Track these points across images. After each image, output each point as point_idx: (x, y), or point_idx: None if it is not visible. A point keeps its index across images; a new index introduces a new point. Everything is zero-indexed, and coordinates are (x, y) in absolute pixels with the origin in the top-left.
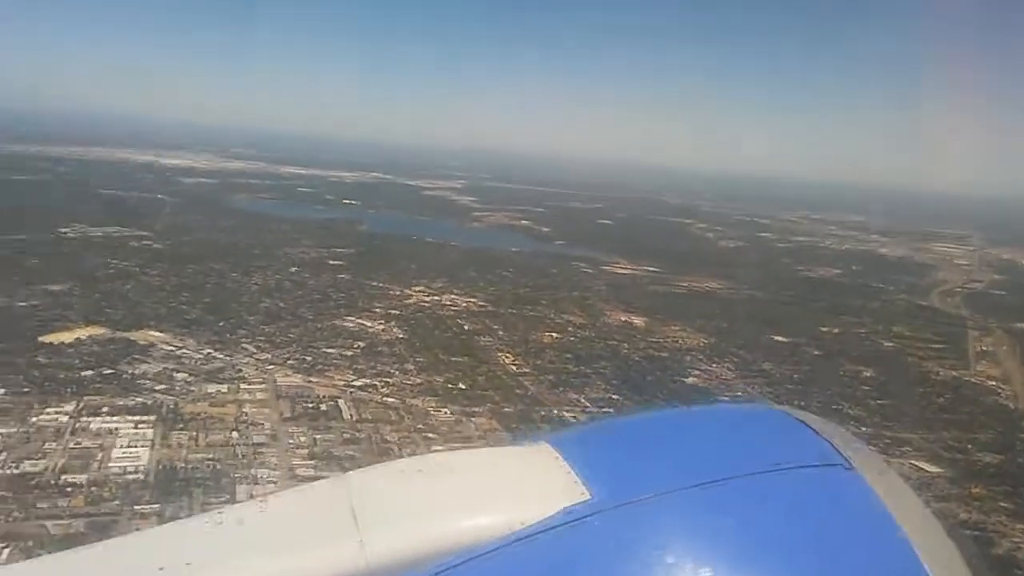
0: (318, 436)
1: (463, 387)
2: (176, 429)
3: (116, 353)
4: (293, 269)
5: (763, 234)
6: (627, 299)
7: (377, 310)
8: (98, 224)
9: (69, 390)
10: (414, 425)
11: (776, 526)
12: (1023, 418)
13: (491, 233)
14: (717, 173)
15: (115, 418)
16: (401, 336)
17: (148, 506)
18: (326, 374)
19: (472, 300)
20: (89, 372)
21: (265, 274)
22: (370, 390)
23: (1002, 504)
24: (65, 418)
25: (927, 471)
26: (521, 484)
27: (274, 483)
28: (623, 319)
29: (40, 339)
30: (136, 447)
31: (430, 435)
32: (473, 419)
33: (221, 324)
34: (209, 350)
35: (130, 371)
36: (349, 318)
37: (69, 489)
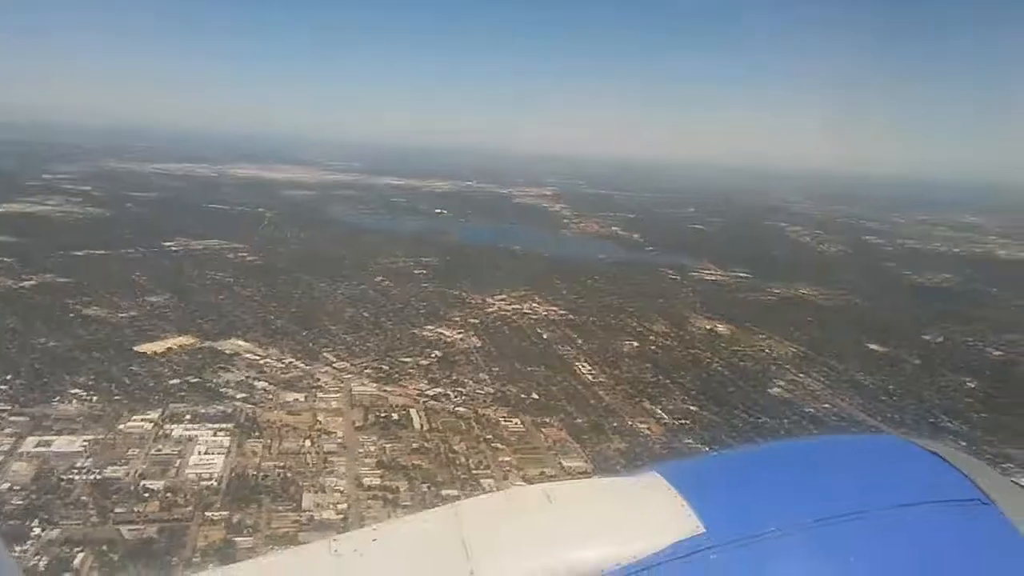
0: (387, 446)
1: (536, 397)
2: (252, 437)
3: (203, 362)
4: (379, 279)
5: (867, 237)
6: (714, 306)
7: (456, 319)
8: (200, 237)
9: (156, 398)
10: (483, 435)
11: (908, 567)
12: None
13: (579, 241)
14: (823, 173)
15: (195, 425)
16: (478, 345)
17: (217, 513)
18: (400, 383)
19: (553, 309)
20: (176, 381)
21: (351, 284)
22: (442, 399)
23: None
24: (150, 425)
25: None
26: (632, 516)
27: (340, 492)
28: (708, 327)
29: (135, 348)
30: (212, 454)
31: (498, 446)
32: (543, 430)
33: (304, 333)
34: (290, 359)
35: (214, 380)
36: (428, 327)
37: (146, 495)
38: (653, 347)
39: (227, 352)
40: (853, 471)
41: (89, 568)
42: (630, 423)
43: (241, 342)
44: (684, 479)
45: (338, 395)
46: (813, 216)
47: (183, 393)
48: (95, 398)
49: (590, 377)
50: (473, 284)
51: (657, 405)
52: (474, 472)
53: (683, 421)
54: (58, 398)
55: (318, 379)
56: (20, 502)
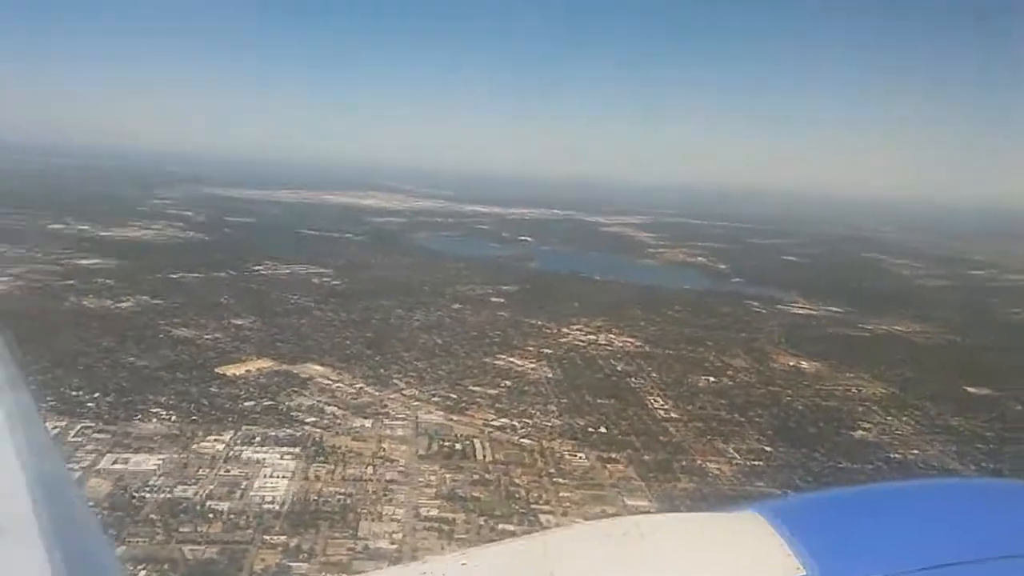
0: (448, 476)
1: (604, 431)
2: (317, 461)
3: (278, 385)
4: (456, 306)
5: (973, 272)
6: (800, 342)
7: (530, 348)
8: (289, 262)
9: (231, 419)
10: (545, 469)
11: None
12: None
13: (663, 270)
14: (930, 204)
15: (265, 448)
16: (549, 376)
17: (276, 537)
18: (467, 412)
19: (630, 340)
20: (251, 403)
21: (428, 310)
22: (508, 430)
23: None
24: (221, 446)
25: None
26: (728, 555)
27: (396, 521)
28: (791, 364)
29: (216, 370)
30: (277, 478)
31: (560, 480)
32: (608, 466)
33: (377, 359)
34: (362, 384)
35: (287, 403)
36: (501, 356)
37: (211, 515)
38: (731, 383)
39: (302, 376)
40: (968, 516)
41: None
42: (699, 462)
43: (316, 366)
44: (784, 519)
45: (404, 423)
46: (911, 247)
47: (256, 415)
48: (174, 417)
49: (662, 412)
50: (550, 313)
51: (730, 444)
52: (532, 507)
53: (756, 462)
54: (140, 416)
55: (386, 406)
56: None
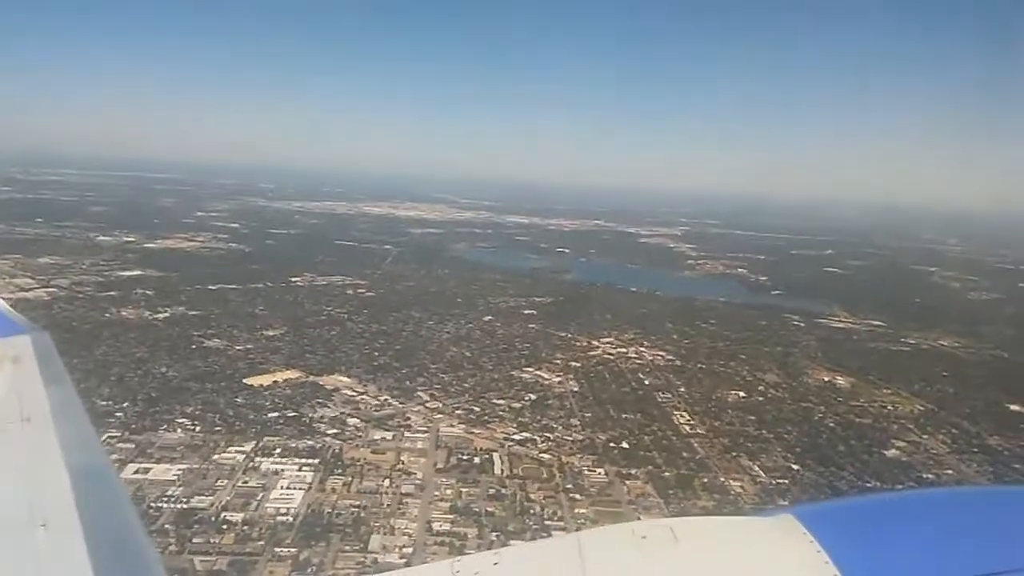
0: (464, 490)
1: (626, 446)
2: (335, 473)
3: (303, 396)
4: (487, 318)
5: None
6: (836, 357)
7: (558, 361)
8: (325, 273)
9: (253, 430)
10: (563, 485)
11: None
12: None
13: (701, 282)
14: (985, 213)
15: (284, 459)
16: (575, 390)
17: (287, 549)
18: (489, 426)
19: (660, 354)
20: (275, 414)
21: (458, 323)
22: (528, 444)
23: None
24: (241, 457)
25: None
26: (763, 560)
27: (408, 535)
28: (826, 379)
29: (244, 381)
30: (294, 489)
31: (576, 496)
32: (627, 482)
33: (404, 371)
34: (386, 396)
35: (310, 415)
36: (528, 369)
37: (224, 526)
38: (761, 398)
39: (328, 387)
40: (1012, 525)
41: None
42: (722, 480)
43: (343, 378)
44: (821, 524)
45: (425, 435)
46: (966, 260)
47: (279, 427)
48: (198, 428)
49: (687, 428)
50: (581, 325)
51: (755, 462)
52: (546, 523)
53: (781, 481)
54: (165, 427)
55: (409, 418)
56: None
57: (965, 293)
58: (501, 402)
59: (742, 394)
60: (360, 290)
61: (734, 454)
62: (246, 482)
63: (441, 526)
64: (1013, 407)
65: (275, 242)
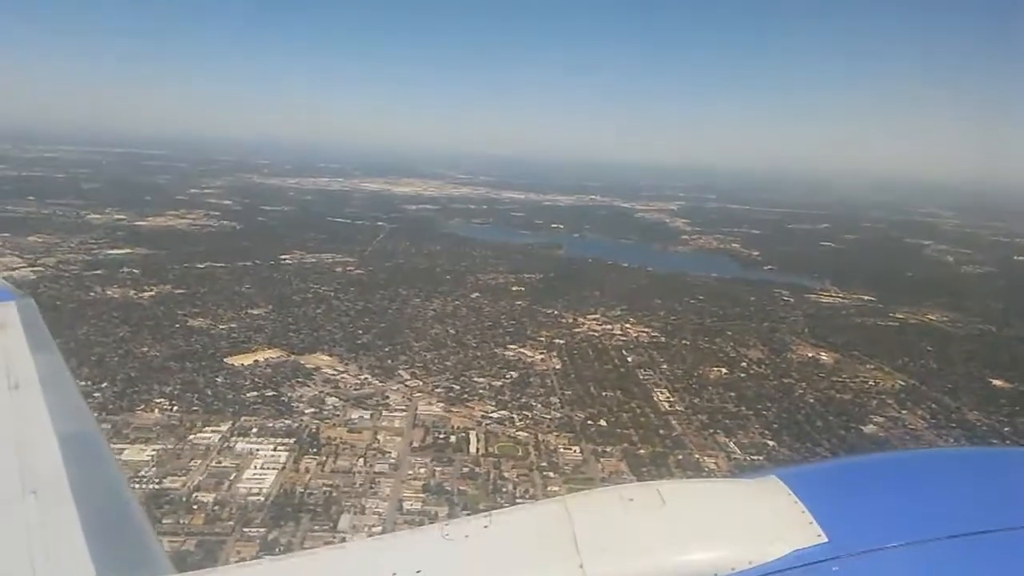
0: (438, 469)
1: (603, 424)
2: (309, 453)
3: (283, 376)
4: (475, 295)
5: (1020, 257)
6: (823, 332)
7: (542, 339)
8: (315, 251)
9: (231, 410)
10: (537, 463)
11: None
12: None
13: (694, 257)
14: (984, 184)
15: (259, 439)
16: (557, 367)
17: (255, 529)
18: (468, 404)
19: (646, 330)
20: (253, 394)
21: (445, 300)
22: (506, 423)
23: None
24: (217, 437)
25: None
26: (749, 520)
27: (378, 515)
28: (810, 355)
29: (225, 360)
30: (267, 469)
31: (550, 474)
32: (601, 460)
33: (387, 350)
34: (367, 375)
35: (289, 394)
36: (511, 346)
37: (195, 507)
38: (743, 375)
39: (308, 366)
40: (991, 484)
41: None
42: (696, 457)
43: (324, 356)
44: (805, 485)
45: (403, 414)
46: (961, 233)
47: (257, 406)
48: (175, 408)
49: (666, 405)
50: (569, 302)
51: (731, 438)
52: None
53: (756, 457)
54: (142, 407)
55: (388, 397)
56: None
57: (958, 267)
58: (482, 380)
59: (724, 371)
60: (349, 268)
61: (711, 431)
62: (220, 462)
63: (412, 505)
64: (996, 382)
65: (267, 219)
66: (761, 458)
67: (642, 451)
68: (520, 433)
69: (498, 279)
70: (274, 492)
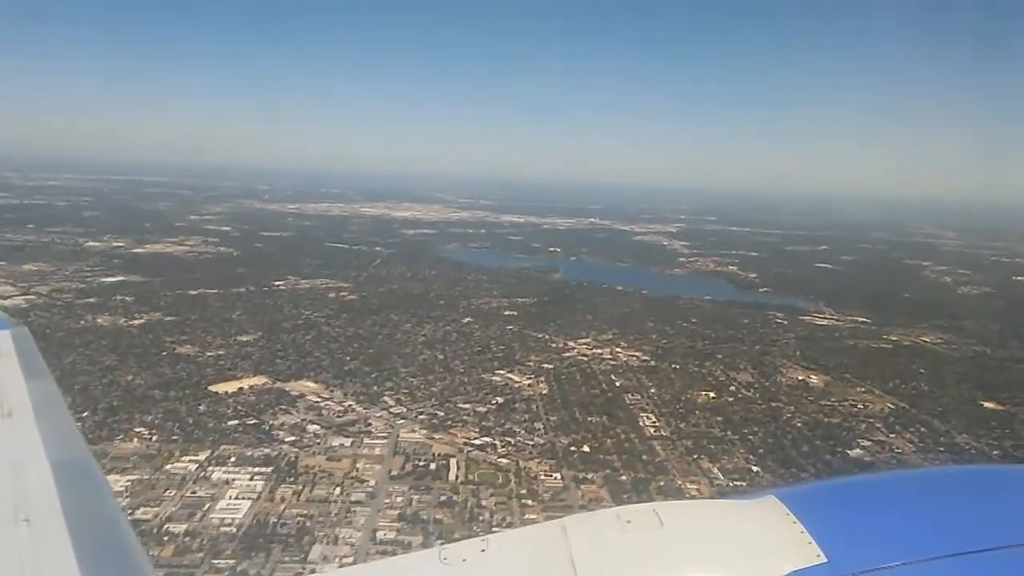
0: (415, 497)
1: (586, 450)
2: (286, 482)
3: (267, 403)
4: (466, 320)
5: (1019, 278)
6: (814, 355)
7: (530, 364)
8: (310, 276)
9: (210, 439)
10: (517, 490)
11: None
12: None
13: (689, 280)
14: (987, 204)
15: (237, 469)
16: (544, 392)
17: (225, 561)
18: (451, 431)
19: (636, 354)
20: (234, 422)
21: (436, 325)
22: (488, 449)
23: None
24: (194, 467)
25: None
26: (747, 541)
27: (350, 545)
28: (799, 378)
29: (210, 388)
30: (242, 499)
31: (528, 502)
32: (582, 486)
33: (373, 376)
34: (351, 402)
35: (270, 422)
36: (499, 372)
37: (166, 538)
38: (731, 399)
39: (293, 393)
40: (988, 503)
41: None
42: (679, 483)
43: (310, 383)
44: (803, 505)
45: (384, 441)
46: (961, 253)
47: (237, 435)
48: (155, 437)
49: (652, 430)
50: (560, 326)
51: (716, 464)
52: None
53: (739, 483)
54: (121, 436)
55: (370, 424)
56: None
57: (956, 288)
58: (467, 406)
59: (712, 395)
60: (343, 293)
61: (695, 456)
62: (194, 492)
63: (386, 535)
64: (987, 404)
65: (264, 245)
66: (744, 484)
67: (624, 477)
68: (501, 460)
69: (491, 304)
70: (247, 522)
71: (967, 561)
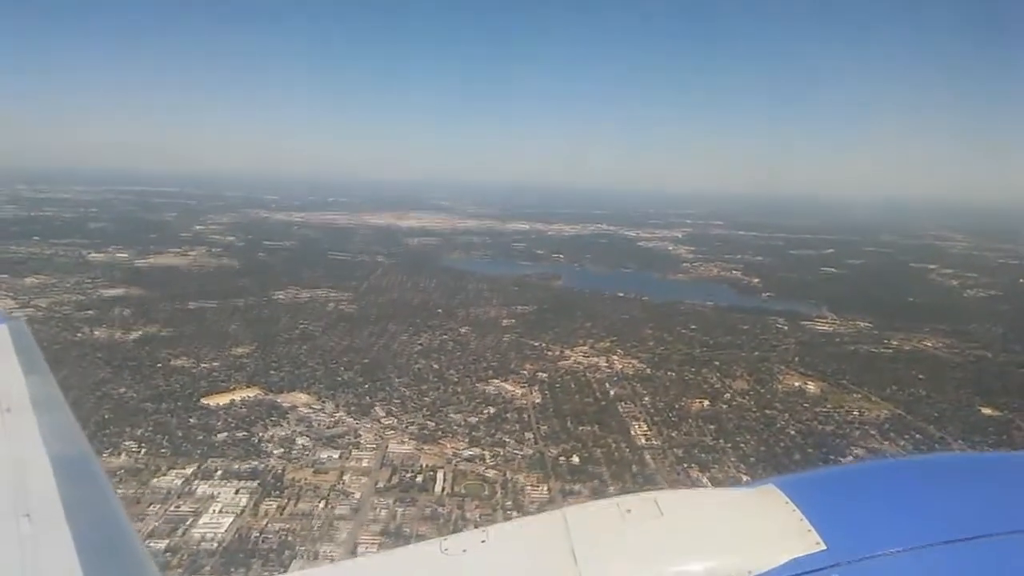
0: (399, 510)
1: (576, 461)
2: (271, 496)
3: (257, 416)
4: (464, 329)
5: None
6: (813, 361)
7: (525, 373)
8: (310, 287)
9: (198, 452)
10: (502, 502)
11: None
12: None
13: (691, 286)
14: (997, 207)
15: (222, 483)
16: (537, 402)
17: None
18: (440, 442)
19: (632, 362)
20: (224, 435)
21: (433, 335)
22: (476, 461)
23: None
24: (179, 481)
25: None
26: (748, 529)
27: (330, 559)
28: (796, 385)
29: (201, 401)
30: (225, 514)
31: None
32: (568, 498)
33: (366, 387)
34: (342, 414)
35: (260, 435)
36: (493, 381)
37: None
38: (725, 407)
39: (285, 405)
40: (987, 490)
41: None
42: None
43: (302, 395)
44: (803, 493)
45: (373, 453)
46: (968, 256)
47: (225, 448)
48: (144, 451)
49: (643, 439)
50: (558, 335)
51: (705, 473)
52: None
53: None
54: (110, 450)
55: (360, 436)
56: None
57: (962, 291)
58: (457, 416)
59: (707, 402)
60: (342, 304)
61: (685, 466)
62: (178, 507)
63: (367, 549)
64: (985, 410)
65: (267, 256)
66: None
67: (611, 488)
68: (489, 471)
69: (489, 312)
70: (228, 538)
71: (965, 547)
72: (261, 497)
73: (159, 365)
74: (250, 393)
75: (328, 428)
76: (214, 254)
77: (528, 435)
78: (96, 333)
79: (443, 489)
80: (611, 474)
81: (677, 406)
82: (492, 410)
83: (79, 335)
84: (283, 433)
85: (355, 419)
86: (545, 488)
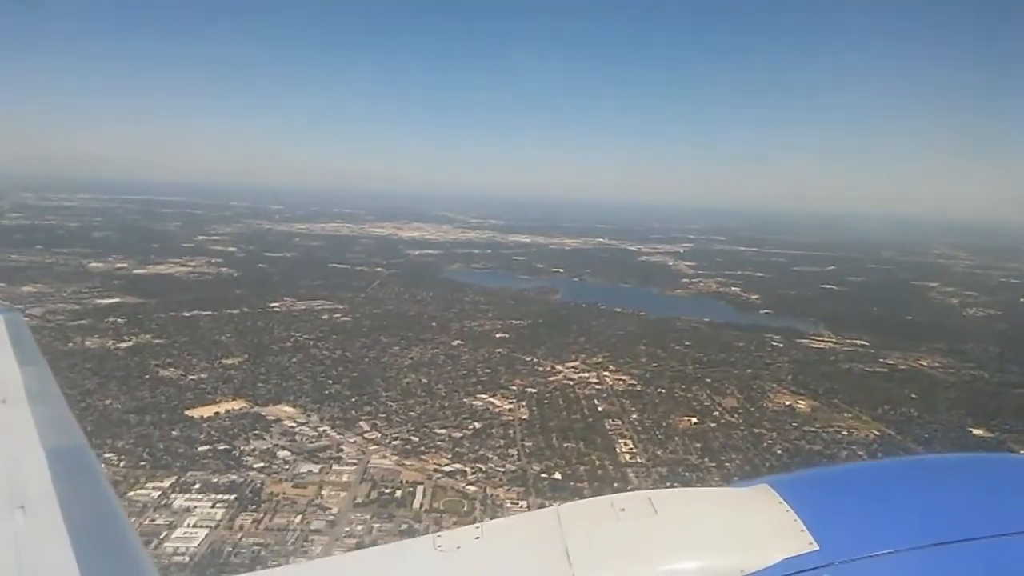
0: (376, 525)
1: (557, 477)
2: (247, 510)
3: (240, 428)
4: (456, 342)
5: None
6: (805, 380)
7: (514, 388)
8: (306, 298)
9: (178, 465)
10: (480, 518)
11: None
12: None
13: (690, 301)
14: (1003, 224)
15: (199, 496)
16: (524, 417)
17: None
18: (422, 457)
19: (623, 378)
20: (205, 448)
21: (425, 348)
22: (457, 476)
23: None
24: (157, 494)
25: None
26: (740, 528)
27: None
28: (787, 403)
29: (186, 413)
30: (199, 527)
31: None
32: None
33: (353, 400)
34: (326, 427)
35: (241, 448)
36: (481, 396)
37: None
38: (713, 424)
39: (269, 418)
40: (980, 491)
41: None
42: None
43: (288, 408)
44: (796, 493)
45: (354, 468)
46: (970, 274)
47: (206, 461)
48: (123, 463)
49: (627, 456)
50: (550, 349)
51: None
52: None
53: None
54: None
55: (342, 449)
56: None
57: (961, 310)
58: (442, 431)
59: (695, 420)
60: (336, 315)
61: (669, 484)
62: (153, 520)
63: None
64: (976, 431)
65: (267, 266)
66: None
67: None
68: (469, 487)
69: (484, 326)
70: (200, 552)
71: (959, 549)
72: (237, 511)
73: (147, 375)
74: (236, 405)
75: (311, 442)
76: (214, 264)
77: (512, 451)
78: (87, 342)
79: (421, 505)
80: (593, 491)
81: (665, 423)
82: (478, 425)
83: (70, 344)
84: (265, 446)
85: (339, 433)
86: (524, 504)
